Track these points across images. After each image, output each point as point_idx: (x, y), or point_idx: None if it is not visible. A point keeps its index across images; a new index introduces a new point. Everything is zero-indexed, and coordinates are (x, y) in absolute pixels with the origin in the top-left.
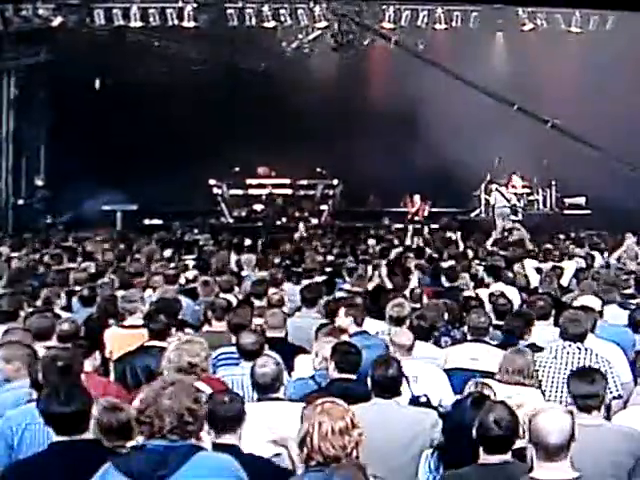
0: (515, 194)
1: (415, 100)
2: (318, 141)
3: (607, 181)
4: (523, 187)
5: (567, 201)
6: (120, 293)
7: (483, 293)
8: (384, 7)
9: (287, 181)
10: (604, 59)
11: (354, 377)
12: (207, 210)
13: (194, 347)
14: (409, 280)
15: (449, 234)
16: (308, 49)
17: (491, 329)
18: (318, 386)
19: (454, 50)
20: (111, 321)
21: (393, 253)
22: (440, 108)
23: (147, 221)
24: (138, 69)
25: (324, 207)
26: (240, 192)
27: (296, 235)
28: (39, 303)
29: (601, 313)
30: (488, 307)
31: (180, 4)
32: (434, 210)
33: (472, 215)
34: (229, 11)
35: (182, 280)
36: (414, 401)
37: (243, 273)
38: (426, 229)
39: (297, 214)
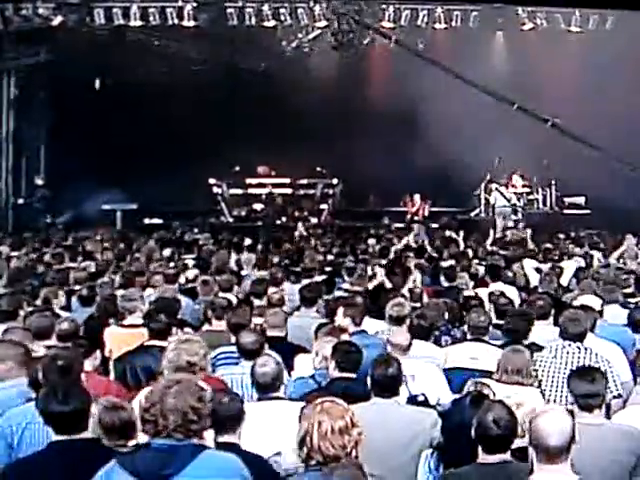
0: (515, 193)
1: (415, 99)
2: (318, 140)
3: (607, 181)
4: (523, 186)
5: (567, 200)
6: (120, 292)
7: (483, 292)
8: (384, 6)
9: (287, 180)
10: (604, 58)
11: (354, 376)
12: (207, 209)
13: (193, 346)
14: (407, 278)
15: (449, 233)
16: (308, 48)
17: (491, 328)
18: (318, 385)
19: (454, 49)
20: (111, 320)
21: (392, 251)
22: (440, 107)
23: (147, 220)
24: (138, 69)
25: (324, 206)
26: (240, 191)
27: (296, 234)
28: (39, 302)
29: (601, 312)
30: (488, 306)
31: (180, 3)
32: (434, 210)
33: (472, 215)
34: (229, 10)
35: (182, 279)
36: (412, 400)
37: (243, 272)
38: (416, 226)
39: (297, 213)
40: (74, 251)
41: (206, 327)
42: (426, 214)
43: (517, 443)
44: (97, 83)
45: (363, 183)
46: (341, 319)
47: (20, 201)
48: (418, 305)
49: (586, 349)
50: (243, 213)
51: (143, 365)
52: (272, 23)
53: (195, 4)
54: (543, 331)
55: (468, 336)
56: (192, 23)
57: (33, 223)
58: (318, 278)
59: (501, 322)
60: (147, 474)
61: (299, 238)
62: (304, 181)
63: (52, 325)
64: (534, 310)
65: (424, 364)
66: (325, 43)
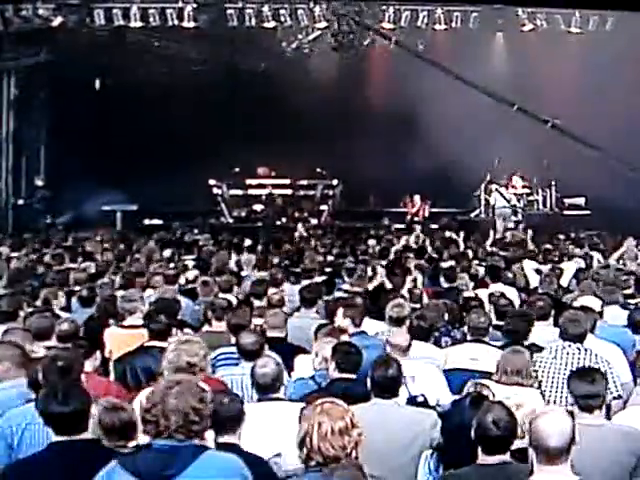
0: (515, 194)
1: (415, 100)
2: (318, 141)
3: (607, 181)
4: (523, 187)
5: (567, 201)
6: (120, 293)
7: (483, 293)
8: (384, 7)
9: (287, 181)
10: (604, 59)
11: (354, 377)
12: (207, 210)
13: (192, 347)
14: (407, 279)
15: (449, 234)
16: (308, 49)
17: (491, 329)
18: (318, 386)
19: (454, 50)
20: (111, 321)
21: (392, 252)
22: (440, 108)
23: (147, 221)
24: (138, 69)
25: (324, 207)
26: (240, 192)
27: (296, 234)
28: (39, 303)
29: (601, 313)
30: (488, 307)
31: (180, 4)
32: (434, 210)
33: (472, 215)
34: (229, 11)
35: (182, 280)
36: (411, 401)
37: (243, 273)
38: (418, 228)
39: (297, 214)
40: (74, 252)
41: (206, 328)
42: (426, 215)
43: (517, 444)
44: (97, 84)
45: (363, 184)
46: (341, 320)
47: (20, 202)
48: (418, 306)
49: (586, 350)
50: (243, 214)
51: (143, 366)
52: (272, 24)
53: (195, 5)
54: (543, 332)
55: (468, 337)
56: (192, 24)
57: (33, 224)
58: (318, 279)
59: (501, 323)
60: (148, 475)
61: (299, 239)
62: (304, 182)
63: (52, 326)
64: (534, 311)
65: (424, 365)
66: (325, 44)
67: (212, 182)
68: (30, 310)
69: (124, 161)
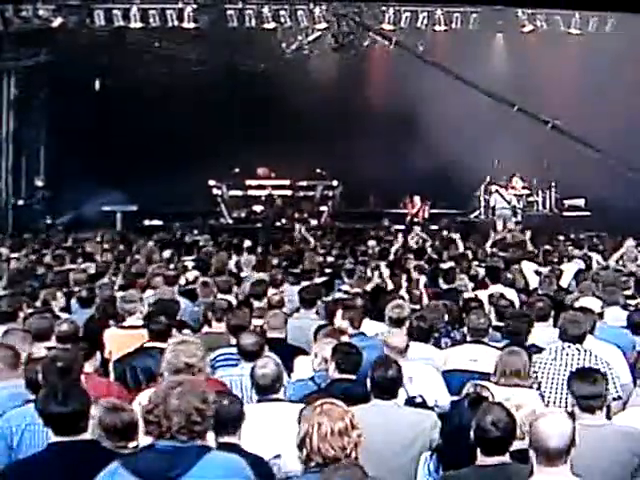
0: (515, 195)
1: (415, 101)
2: (318, 142)
3: (607, 182)
4: (523, 188)
5: (567, 202)
6: (119, 294)
7: (482, 294)
8: (384, 8)
9: (287, 182)
10: (604, 60)
11: (354, 377)
12: (207, 211)
13: (190, 347)
14: (410, 280)
15: (449, 235)
16: (308, 50)
17: (490, 330)
18: (318, 387)
19: (454, 51)
20: (111, 322)
21: (392, 252)
22: (440, 109)
23: (147, 222)
24: (138, 70)
25: (324, 208)
26: (240, 193)
27: (296, 235)
28: (38, 304)
29: (601, 315)
30: (487, 308)
31: (180, 5)
32: (434, 211)
33: (472, 216)
34: (229, 12)
35: (182, 281)
36: (409, 402)
37: (242, 274)
38: (417, 228)
39: (297, 215)
40: (74, 252)
41: (205, 329)
42: (426, 216)
43: (516, 445)
44: (97, 84)
45: (363, 185)
46: (340, 321)
47: (20, 202)
48: (418, 307)
49: (585, 351)
50: (243, 215)
51: (143, 367)
52: (272, 25)
53: (195, 6)
54: (543, 333)
55: (468, 338)
56: (192, 25)
57: (33, 224)
58: (318, 280)
59: (501, 324)
60: (152, 475)
61: (299, 240)
62: (304, 183)
63: (51, 326)
64: (534, 312)
65: (422, 366)
66: (325, 45)
67: (212, 183)
68: (30, 311)
69: (124, 161)
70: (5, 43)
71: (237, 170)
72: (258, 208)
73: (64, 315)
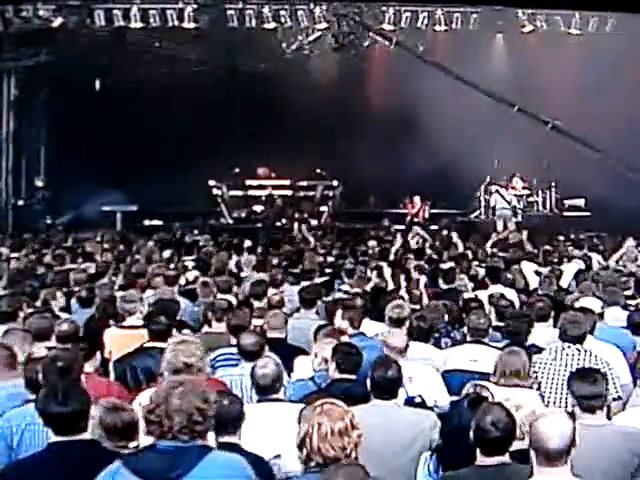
0: (515, 195)
1: (415, 101)
2: (318, 142)
3: (607, 183)
4: (523, 188)
5: (567, 202)
6: (119, 294)
7: (482, 295)
8: (384, 8)
9: (287, 182)
10: (604, 61)
11: (354, 377)
12: (207, 211)
13: (189, 347)
14: (409, 280)
15: (449, 234)
16: (308, 50)
17: (490, 330)
18: (318, 387)
19: (454, 52)
20: (111, 322)
21: (392, 252)
22: (440, 109)
23: (147, 222)
24: (138, 70)
25: (324, 208)
26: (240, 193)
27: (297, 235)
28: (38, 304)
29: (602, 315)
30: (487, 308)
31: (180, 5)
32: (434, 211)
33: (472, 216)
34: (229, 12)
35: (182, 281)
36: (409, 402)
37: (242, 274)
38: (418, 229)
39: (297, 215)
40: (74, 252)
41: (206, 329)
42: (426, 216)
43: (516, 445)
44: (97, 84)
45: (363, 185)
46: (340, 321)
47: (20, 202)
48: (417, 307)
49: (585, 351)
50: (243, 215)
51: (143, 366)
52: (272, 25)
53: (195, 6)
54: (543, 333)
55: (468, 338)
56: (192, 25)
57: (33, 224)
58: (318, 280)
59: (501, 324)
60: (154, 475)
61: (299, 240)
62: (304, 183)
63: (51, 326)
64: (534, 312)
65: (421, 366)
66: (325, 45)
67: (212, 183)
68: (30, 311)
69: (124, 161)
70: (5, 43)
71: (237, 170)
72: (258, 208)
73: (64, 315)
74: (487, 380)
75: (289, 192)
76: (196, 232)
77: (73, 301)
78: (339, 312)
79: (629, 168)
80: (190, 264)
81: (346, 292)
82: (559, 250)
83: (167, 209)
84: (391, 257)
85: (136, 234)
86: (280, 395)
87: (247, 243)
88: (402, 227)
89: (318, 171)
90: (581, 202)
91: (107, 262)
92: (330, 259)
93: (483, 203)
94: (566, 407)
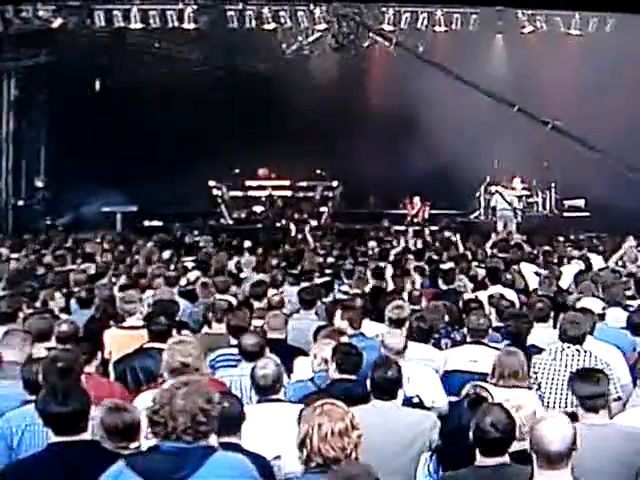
0: (515, 196)
1: (415, 101)
2: (318, 142)
3: (607, 183)
4: (523, 189)
5: (566, 203)
6: (119, 294)
7: (482, 295)
8: (384, 9)
9: (287, 183)
10: (604, 61)
11: (354, 378)
12: (207, 211)
13: (186, 347)
14: (406, 282)
15: (449, 235)
16: (308, 51)
17: (490, 331)
18: (317, 388)
19: (454, 52)
20: (111, 322)
21: (392, 254)
22: (440, 109)
23: (147, 222)
24: (138, 70)
25: (324, 209)
26: (240, 194)
27: (293, 233)
28: (38, 304)
29: (602, 316)
30: (487, 309)
31: (180, 6)
32: (434, 212)
33: (472, 217)
34: (229, 13)
35: (183, 282)
36: (406, 402)
37: (242, 275)
38: (427, 231)
39: (297, 216)
40: (74, 253)
41: (205, 330)
42: (426, 216)
43: (516, 446)
44: (97, 84)
45: (363, 185)
46: (339, 322)
47: (20, 203)
48: (417, 308)
49: (585, 352)
50: (243, 215)
51: (143, 367)
52: (272, 26)
53: (195, 7)
54: (543, 333)
55: (468, 339)
56: (192, 25)
57: (33, 225)
58: (318, 280)
59: (501, 325)
60: (158, 477)
61: (300, 240)
62: (304, 183)
63: (51, 327)
64: (534, 312)
65: (419, 366)
66: (325, 45)
67: (212, 183)
68: (29, 311)
69: (124, 161)
70: (5, 44)
71: (237, 170)
72: (258, 209)
73: (63, 316)
74: (487, 381)
75: (289, 193)
76: (196, 233)
77: (72, 302)
78: (339, 313)
79: (629, 168)
80: (190, 265)
81: (346, 293)
82: (559, 251)
83: (167, 210)
84: (391, 258)
85: (136, 235)
86: (280, 396)
87: (247, 244)
88: (402, 227)
89: (318, 171)
90: (581, 202)
91: (107, 263)
92: (330, 260)
93: (483, 203)
94: (566, 407)
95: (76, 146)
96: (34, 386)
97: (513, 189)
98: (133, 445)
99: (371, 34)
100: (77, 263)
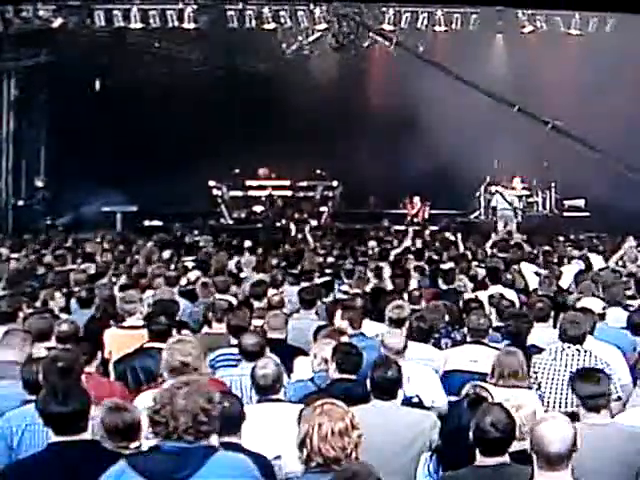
0: (515, 196)
1: (415, 101)
2: (318, 142)
3: (607, 183)
4: (522, 189)
5: (566, 203)
6: (119, 294)
7: (482, 295)
8: (384, 9)
9: (287, 182)
10: (604, 61)
11: (354, 377)
12: (207, 211)
13: (186, 346)
14: (408, 282)
15: (449, 235)
16: (308, 51)
17: (490, 331)
18: (317, 388)
19: (454, 52)
20: (111, 322)
21: (392, 254)
22: (440, 109)
23: (147, 222)
24: (138, 70)
25: (324, 208)
26: (240, 193)
27: (298, 234)
28: (38, 304)
29: (603, 315)
30: (488, 309)
31: (180, 6)
32: (434, 212)
33: (472, 217)
34: (229, 13)
35: (184, 281)
36: (406, 402)
37: (242, 275)
38: (427, 232)
39: (297, 215)
40: (74, 253)
41: (205, 330)
42: (426, 216)
43: (516, 446)
44: (97, 84)
45: (363, 185)
46: (339, 321)
47: (20, 202)
48: (416, 308)
49: (585, 351)
50: (243, 215)
51: (143, 367)
52: (272, 26)
53: (195, 6)
54: (543, 333)
55: (468, 339)
56: (192, 25)
57: (33, 225)
58: (318, 280)
59: (501, 324)
60: (159, 476)
61: (300, 239)
62: (304, 183)
63: (51, 327)
64: (534, 312)
65: (419, 366)
66: (325, 45)
67: (212, 183)
68: (29, 311)
69: (124, 161)
70: (5, 43)
71: (237, 170)
72: (258, 208)
73: (64, 315)
74: (486, 381)
75: (289, 192)
76: (196, 232)
77: (73, 301)
78: (339, 312)
79: (629, 168)
80: (190, 264)
81: (346, 292)
82: (559, 251)
83: (167, 209)
84: (391, 258)
85: (136, 234)
86: (280, 395)
87: (247, 243)
88: (402, 227)
89: (318, 171)
90: (581, 202)
91: (107, 262)
92: (330, 259)
93: (483, 203)
94: (566, 407)
95: (76, 146)
96: (34, 386)
97: (513, 189)
98: (133, 445)
99: (371, 34)
100: (77, 263)
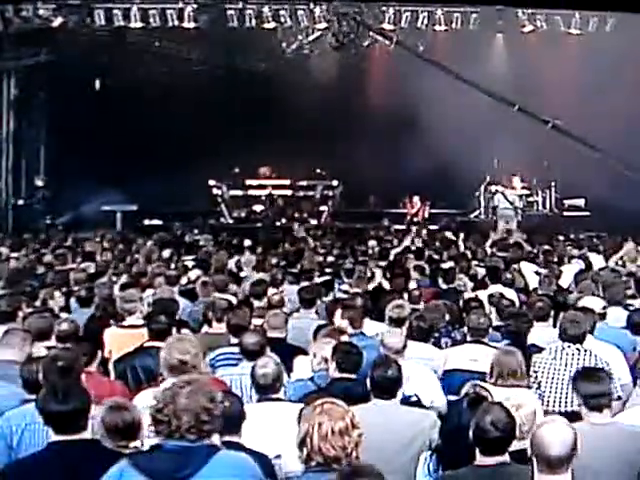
0: (515, 195)
1: (415, 101)
2: (318, 142)
3: (607, 183)
4: (522, 188)
5: (567, 202)
6: (119, 293)
7: (482, 294)
8: (384, 8)
9: (287, 182)
10: (604, 60)
11: (355, 377)
12: (207, 211)
13: (184, 345)
14: (408, 282)
15: (449, 235)
16: (308, 50)
17: (490, 330)
18: (317, 387)
19: (454, 51)
20: (111, 321)
21: (392, 254)
22: (440, 109)
23: (147, 221)
24: (138, 70)
25: (324, 208)
26: (240, 193)
27: (299, 234)
28: (38, 303)
29: (603, 315)
30: (487, 308)
31: (180, 5)
32: (434, 211)
33: (472, 216)
34: (229, 12)
35: (184, 280)
36: (405, 401)
37: (242, 274)
38: (424, 231)
39: (297, 215)
40: (74, 252)
41: (205, 329)
42: (426, 216)
43: (516, 445)
44: (97, 84)
45: (363, 184)
46: (339, 321)
47: (20, 202)
48: (417, 307)
49: (585, 351)
50: (243, 214)
51: (143, 366)
52: (272, 25)
53: (195, 6)
54: (543, 333)
55: (468, 338)
56: (192, 25)
57: (33, 224)
58: (318, 279)
59: (501, 324)
60: (162, 475)
61: (299, 239)
62: (304, 182)
63: (51, 326)
64: (534, 312)
65: (418, 366)
66: (325, 44)
67: (212, 182)
68: (29, 310)
69: (124, 161)
70: (5, 43)
71: (237, 170)
72: (258, 208)
73: (63, 315)
74: (486, 380)
75: (289, 192)
76: (196, 232)
77: (72, 301)
78: (339, 312)
79: (629, 168)
80: (190, 264)
81: (346, 292)
82: (559, 250)
83: (167, 209)
84: (391, 257)
85: (136, 234)
86: (280, 395)
87: (247, 242)
88: (402, 227)
89: (318, 171)
90: (581, 202)
91: (107, 262)
92: (330, 259)
93: (483, 203)
94: (566, 406)
95: (76, 145)
96: (34, 385)
97: (513, 188)
98: (133, 444)
99: (371, 33)
100: (77, 262)
